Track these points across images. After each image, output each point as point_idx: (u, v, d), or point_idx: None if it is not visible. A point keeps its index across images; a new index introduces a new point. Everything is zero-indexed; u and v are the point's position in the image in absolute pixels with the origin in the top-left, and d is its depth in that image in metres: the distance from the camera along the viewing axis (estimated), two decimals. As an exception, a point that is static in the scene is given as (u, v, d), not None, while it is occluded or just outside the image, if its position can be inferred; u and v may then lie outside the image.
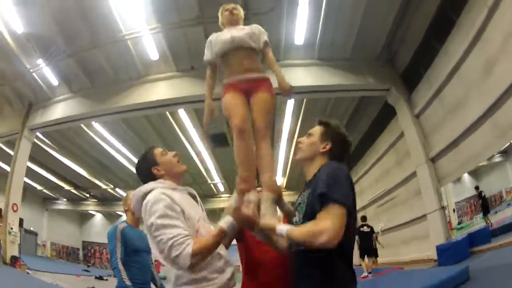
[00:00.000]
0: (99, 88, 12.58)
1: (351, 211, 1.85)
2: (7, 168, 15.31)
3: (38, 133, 14.62)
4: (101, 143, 16.99)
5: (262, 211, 2.18)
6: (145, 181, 2.22)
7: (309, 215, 1.93)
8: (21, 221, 15.64)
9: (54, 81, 12.86)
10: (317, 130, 2.32)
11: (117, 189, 25.17)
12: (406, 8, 10.22)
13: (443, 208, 10.43)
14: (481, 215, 11.62)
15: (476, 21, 8.02)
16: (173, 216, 1.94)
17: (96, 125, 14.83)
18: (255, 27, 2.86)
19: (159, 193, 2.02)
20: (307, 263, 1.96)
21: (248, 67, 2.66)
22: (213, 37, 2.94)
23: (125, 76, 12.18)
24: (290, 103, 13.24)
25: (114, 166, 20.57)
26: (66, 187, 24.78)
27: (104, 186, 25.00)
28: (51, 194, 26.97)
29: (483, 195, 12.49)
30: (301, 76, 11.14)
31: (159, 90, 11.74)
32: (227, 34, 2.76)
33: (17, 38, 11.01)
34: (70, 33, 10.76)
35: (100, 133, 15.75)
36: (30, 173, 17.52)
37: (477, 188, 13.06)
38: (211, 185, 24.75)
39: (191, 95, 11.35)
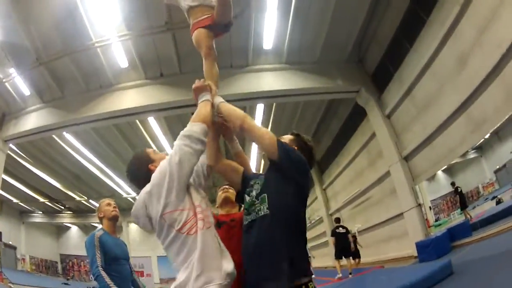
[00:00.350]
0: (70, 97, 12.50)
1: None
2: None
3: (11, 145, 14.35)
4: (73, 154, 16.90)
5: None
6: (141, 181, 2.29)
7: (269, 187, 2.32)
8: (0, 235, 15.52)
9: (26, 91, 12.71)
10: (288, 136, 2.63)
11: (90, 201, 24.96)
12: (375, 8, 10.61)
13: (419, 205, 10.68)
14: (458, 211, 12.03)
15: (448, 17, 8.37)
16: None
17: (68, 136, 14.73)
18: None
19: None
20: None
21: None
22: None
23: (96, 85, 12.15)
24: (260, 108, 13.41)
25: (87, 177, 20.50)
26: (41, 199, 24.41)
27: (78, 198, 24.77)
28: (27, 207, 26.49)
29: (459, 190, 12.92)
30: (270, 80, 11.43)
31: (129, 98, 11.76)
32: None
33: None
34: (42, 41, 10.73)
35: (72, 144, 15.67)
36: (5, 186, 17.24)
37: (453, 184, 13.45)
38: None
39: (160, 102, 11.46)
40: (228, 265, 2.12)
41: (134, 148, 16.10)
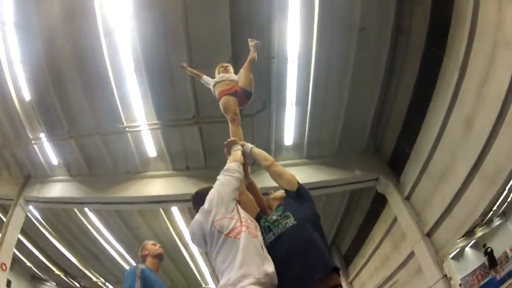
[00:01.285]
0: (97, 176, 13.25)
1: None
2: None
3: (32, 209, 15.04)
4: (94, 233, 17.27)
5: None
6: (201, 201, 2.89)
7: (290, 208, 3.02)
8: (8, 283, 15.66)
9: (54, 160, 13.55)
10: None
11: (107, 284, 24.68)
12: (386, 94, 11.36)
13: (445, 276, 10.61)
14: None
15: (450, 84, 8.82)
16: None
17: (90, 214, 15.35)
18: None
19: None
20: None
21: None
22: None
23: (123, 169, 12.92)
24: None
25: (105, 259, 20.54)
26: (56, 271, 24.24)
27: (95, 279, 24.49)
28: (40, 274, 26.00)
29: (489, 250, 12.40)
30: None
31: (155, 187, 12.42)
32: None
33: (24, 104, 11.90)
34: (75, 115, 11.80)
35: (93, 222, 16.20)
36: (19, 246, 17.41)
37: (484, 245, 13.03)
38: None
39: (185, 193, 11.81)
40: (269, 267, 2.48)
41: (156, 236, 16.40)
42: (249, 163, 3.64)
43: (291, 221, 2.85)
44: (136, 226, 16.43)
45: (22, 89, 11.54)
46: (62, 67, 10.71)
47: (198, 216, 2.77)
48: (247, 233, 2.56)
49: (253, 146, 3.73)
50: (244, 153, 3.58)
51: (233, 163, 3.16)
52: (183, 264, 18.92)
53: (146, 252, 4.30)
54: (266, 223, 3.00)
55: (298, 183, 3.34)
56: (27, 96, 11.67)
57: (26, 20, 9.89)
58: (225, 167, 3.08)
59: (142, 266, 4.01)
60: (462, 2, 8.22)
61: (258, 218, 3.17)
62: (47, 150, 13.36)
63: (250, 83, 4.66)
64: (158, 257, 4.34)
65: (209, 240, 2.63)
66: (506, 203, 10.44)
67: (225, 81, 4.76)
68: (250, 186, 3.65)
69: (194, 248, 17.35)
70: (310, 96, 10.76)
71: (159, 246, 4.45)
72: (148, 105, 11.03)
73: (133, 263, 20.15)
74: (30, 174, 14.61)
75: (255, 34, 9.47)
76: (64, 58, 10.50)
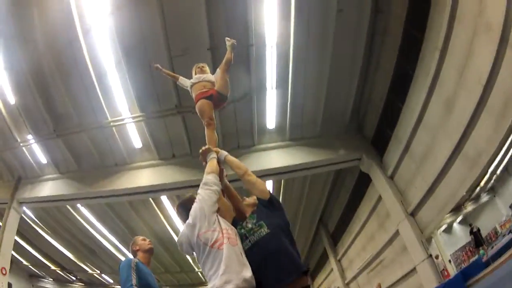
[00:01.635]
0: (86, 171, 13.54)
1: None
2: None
3: (26, 210, 15.34)
4: (87, 227, 17.62)
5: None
6: (185, 214, 3.29)
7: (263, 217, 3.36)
8: (9, 286, 15.94)
9: (43, 159, 13.83)
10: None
11: (103, 275, 25.32)
12: (366, 75, 11.62)
13: (430, 256, 10.80)
14: (482, 252, 11.79)
15: (431, 66, 9.02)
16: None
17: (82, 208, 15.66)
18: None
19: None
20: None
21: None
22: None
23: (111, 162, 13.17)
24: (269, 184, 14.21)
25: (100, 252, 21.01)
26: (53, 267, 24.81)
27: (90, 271, 25.10)
28: (38, 272, 26.48)
29: (475, 230, 13.06)
30: (276, 158, 12.36)
31: (143, 177, 12.68)
32: None
33: (10, 109, 12.10)
34: (59, 113, 12.01)
35: (86, 216, 16.52)
36: (15, 247, 17.66)
37: (470, 225, 13.53)
38: (199, 273, 25.42)
39: (173, 182, 12.33)
40: (247, 272, 2.88)
41: (147, 225, 16.89)
42: (223, 168, 3.82)
43: (264, 230, 3.23)
44: (128, 217, 16.73)
45: (6, 95, 11.65)
46: (44, 69, 10.89)
47: (185, 230, 3.16)
48: (228, 244, 2.95)
49: (227, 153, 3.95)
50: (218, 160, 3.82)
51: (210, 175, 3.44)
52: (175, 250, 19.21)
53: (137, 248, 4.43)
54: (243, 230, 3.35)
55: (269, 192, 3.66)
56: (12, 100, 11.81)
57: (7, 27, 9.90)
58: (204, 180, 3.38)
59: (135, 259, 4.17)
60: None
61: (234, 223, 3.49)
62: (36, 151, 13.62)
63: (225, 85, 4.85)
64: (149, 251, 4.48)
65: (196, 249, 3.06)
66: (493, 179, 10.77)
67: (201, 83, 4.96)
68: (226, 190, 3.86)
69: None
70: (290, 80, 10.96)
71: (149, 241, 4.58)
72: (131, 98, 11.21)
73: (127, 253, 20.62)
74: (21, 176, 14.85)
75: (232, 21, 9.85)
76: (45, 61, 10.66)
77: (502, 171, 12.75)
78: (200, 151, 3.92)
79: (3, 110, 12.16)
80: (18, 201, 14.37)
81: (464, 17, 7.79)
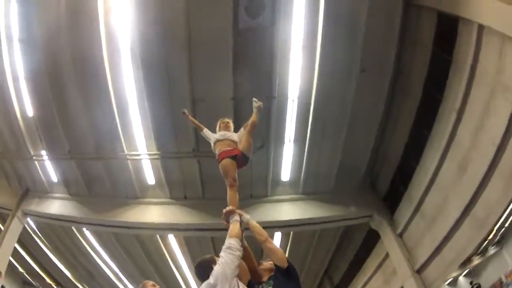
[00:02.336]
0: (96, 198, 13.71)
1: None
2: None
3: (30, 220, 15.49)
4: (89, 250, 17.75)
5: None
6: (206, 274, 3.43)
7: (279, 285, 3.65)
8: None
9: (54, 177, 14.03)
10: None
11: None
12: (382, 134, 11.86)
13: None
14: None
15: (447, 127, 9.15)
16: None
17: (87, 232, 15.83)
18: None
19: None
20: None
21: None
22: None
23: (122, 193, 13.40)
24: (277, 236, 14.45)
25: (100, 277, 21.07)
26: (48, 280, 24.62)
27: (86, 293, 25.06)
28: (32, 281, 26.23)
29: (475, 287, 12.79)
30: (287, 210, 12.54)
31: (153, 214, 12.89)
32: None
33: (27, 120, 12.49)
34: (77, 137, 12.29)
35: (91, 241, 16.71)
36: (14, 253, 17.20)
37: (471, 283, 13.51)
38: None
39: (182, 223, 12.58)
40: None
41: (151, 260, 17.01)
42: (243, 230, 3.95)
43: None
44: (132, 248, 16.81)
45: (25, 105, 12.08)
46: (67, 89, 11.30)
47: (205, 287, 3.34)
48: None
49: (249, 217, 4.13)
50: (240, 223, 3.99)
51: (233, 239, 3.62)
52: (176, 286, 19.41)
53: None
54: None
55: (288, 261, 3.81)
56: (30, 112, 12.21)
57: (31, 36, 10.50)
58: (227, 244, 3.56)
59: None
60: (462, 47, 8.49)
61: (250, 285, 3.70)
62: (47, 167, 13.84)
63: (249, 147, 5.03)
64: None
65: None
66: (500, 233, 10.84)
67: (226, 141, 5.15)
68: (244, 251, 3.85)
69: (188, 274, 17.88)
70: (308, 134, 11.25)
71: None
72: (149, 135, 11.54)
73: (127, 283, 20.86)
74: (29, 188, 15.15)
75: (258, 74, 10.28)
76: (68, 80, 11.05)
77: (510, 224, 12.77)
78: (224, 211, 4.12)
79: (20, 120, 12.52)
80: (23, 211, 14.64)
81: (483, 78, 8.00)
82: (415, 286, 11.42)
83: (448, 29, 8.80)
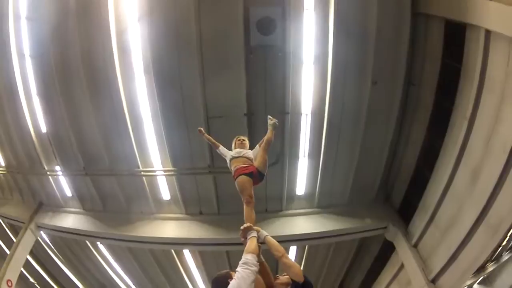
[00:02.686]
0: (111, 213, 13.90)
1: None
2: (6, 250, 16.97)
3: (43, 234, 15.81)
4: (104, 265, 17.97)
5: None
6: None
7: None
8: None
9: (68, 192, 14.33)
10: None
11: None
12: (396, 147, 11.97)
13: None
14: None
15: (459, 136, 9.12)
16: None
17: (101, 246, 16.03)
18: None
19: None
20: None
21: None
22: None
23: (137, 209, 13.55)
24: (293, 250, 14.57)
25: (111, 288, 21.12)
26: None
27: (99, 306, 25.32)
28: None
29: None
30: (303, 224, 12.56)
31: (168, 229, 12.97)
32: None
33: (40, 136, 12.80)
34: (91, 154, 12.54)
35: (105, 255, 16.90)
36: (26, 265, 17.65)
37: None
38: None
39: (197, 237, 12.65)
40: None
41: (165, 275, 17.09)
42: (260, 244, 4.08)
43: None
44: (146, 263, 16.96)
45: (39, 121, 12.43)
46: (80, 105, 11.56)
47: None
48: None
49: (267, 234, 4.27)
50: (258, 239, 4.12)
51: (250, 255, 3.72)
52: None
53: None
54: None
55: (304, 276, 3.92)
56: (43, 128, 12.53)
57: (42, 52, 10.85)
58: (244, 260, 3.67)
59: None
60: (471, 54, 8.51)
61: None
62: (61, 182, 14.13)
63: (264, 164, 5.20)
64: None
65: None
66: None
67: (241, 158, 5.32)
68: (261, 266, 3.98)
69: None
70: (322, 149, 11.35)
71: None
72: (164, 151, 11.72)
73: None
74: (43, 202, 15.45)
75: (270, 90, 10.45)
76: (81, 96, 11.33)
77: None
78: (242, 227, 4.26)
79: (33, 136, 12.86)
80: (36, 224, 14.89)
81: (492, 84, 8.00)
82: (429, 296, 11.38)
83: (457, 36, 8.88)
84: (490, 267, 14.59)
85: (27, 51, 11.06)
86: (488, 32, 7.68)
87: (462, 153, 9.34)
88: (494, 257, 14.17)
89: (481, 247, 9.33)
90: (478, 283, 15.50)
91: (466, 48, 8.74)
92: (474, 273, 11.91)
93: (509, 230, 9.07)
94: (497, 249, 12.83)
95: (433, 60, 10.01)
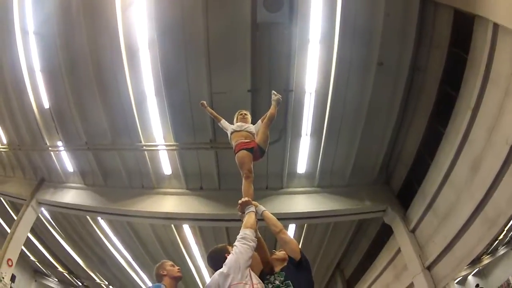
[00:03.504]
0: (112, 188, 14.05)
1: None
2: (6, 228, 17.20)
3: (43, 210, 16.01)
4: (102, 238, 18.16)
5: None
6: (219, 263, 3.58)
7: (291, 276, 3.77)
8: (13, 277, 16.31)
9: (70, 168, 14.47)
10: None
11: (110, 287, 25.72)
12: (398, 131, 12.00)
13: None
14: None
15: (461, 125, 9.14)
16: None
17: (101, 221, 16.24)
18: None
19: None
20: None
21: None
22: None
23: (138, 183, 13.71)
24: (292, 228, 14.67)
25: (112, 264, 21.49)
26: (60, 268, 25.47)
27: (98, 280, 25.60)
28: (43, 269, 26.99)
29: None
30: (302, 203, 12.68)
31: (168, 204, 13.11)
32: None
33: (42, 112, 12.86)
34: (93, 128, 12.63)
35: (105, 230, 17.10)
36: (26, 242, 17.55)
37: (477, 285, 13.81)
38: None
39: (197, 213, 12.80)
40: None
41: (164, 249, 17.30)
42: (257, 221, 4.07)
43: None
44: (146, 237, 17.22)
45: (41, 97, 12.43)
46: (83, 80, 11.61)
47: (216, 277, 3.39)
48: None
49: (264, 209, 4.27)
50: (255, 213, 4.12)
51: (248, 230, 3.75)
52: (190, 277, 19.86)
53: (165, 273, 4.31)
54: (270, 285, 3.75)
55: (301, 252, 3.94)
56: (46, 104, 12.55)
57: (46, 29, 10.81)
58: (242, 234, 3.69)
59: (162, 286, 4.16)
60: (478, 46, 8.47)
61: (262, 275, 3.85)
62: (63, 158, 14.25)
63: (266, 140, 5.23)
64: (177, 279, 4.40)
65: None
66: (510, 234, 11.01)
67: (243, 132, 5.33)
68: (258, 242, 3.97)
69: (201, 263, 18.26)
70: (325, 128, 11.41)
71: (178, 269, 4.49)
72: (167, 126, 11.79)
73: (139, 271, 21.28)
74: (44, 178, 15.60)
75: (275, 67, 10.49)
76: (85, 71, 11.35)
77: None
78: (240, 202, 4.26)
79: (36, 111, 12.91)
80: (37, 201, 15.04)
81: (497, 77, 7.97)
82: (424, 282, 11.48)
83: (465, 26, 8.82)
84: (486, 260, 14.80)
85: (31, 26, 11.03)
86: (496, 26, 7.64)
87: (464, 142, 9.36)
88: (490, 250, 14.36)
89: (477, 239, 9.37)
90: (473, 275, 15.74)
91: (474, 39, 8.72)
92: (469, 264, 12.09)
93: (506, 224, 9.28)
94: (493, 242, 12.99)
95: (440, 48, 9.97)
